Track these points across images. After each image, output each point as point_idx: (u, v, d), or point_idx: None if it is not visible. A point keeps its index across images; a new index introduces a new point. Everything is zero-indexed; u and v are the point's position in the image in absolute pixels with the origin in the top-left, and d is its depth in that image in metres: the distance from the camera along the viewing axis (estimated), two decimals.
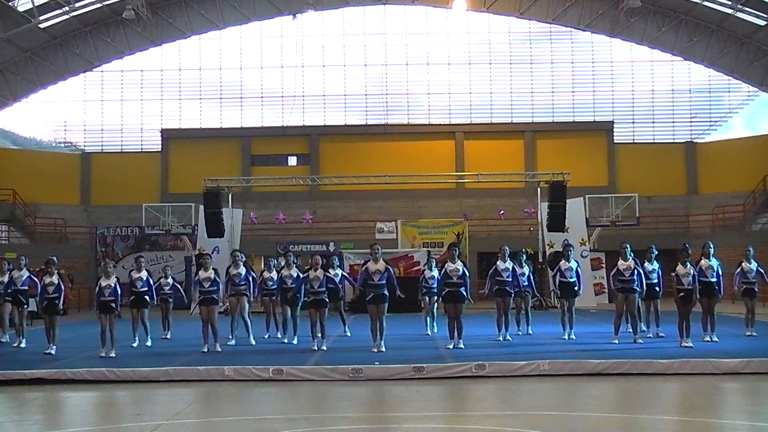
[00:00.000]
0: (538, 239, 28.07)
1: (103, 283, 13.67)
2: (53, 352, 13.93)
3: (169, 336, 16.76)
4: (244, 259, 15.75)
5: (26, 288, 16.17)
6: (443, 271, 14.16)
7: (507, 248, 15.28)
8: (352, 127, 38.57)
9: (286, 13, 37.26)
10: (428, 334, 16.56)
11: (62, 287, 14.50)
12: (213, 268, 14.44)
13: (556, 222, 26.09)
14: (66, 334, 18.41)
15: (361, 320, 17.28)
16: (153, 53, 38.60)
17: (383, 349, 13.53)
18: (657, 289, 14.94)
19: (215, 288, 14.34)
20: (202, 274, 14.33)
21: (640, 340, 14.27)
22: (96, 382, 11.57)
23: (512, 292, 15.28)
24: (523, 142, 37.77)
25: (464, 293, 13.90)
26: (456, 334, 13.89)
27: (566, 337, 15.25)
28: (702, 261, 14.14)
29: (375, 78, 38.76)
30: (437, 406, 10.14)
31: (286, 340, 15.45)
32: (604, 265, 26.72)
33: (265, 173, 36.37)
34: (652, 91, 38.61)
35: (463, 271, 13.92)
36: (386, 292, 13.72)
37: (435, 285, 15.91)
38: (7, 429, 8.90)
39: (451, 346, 13.78)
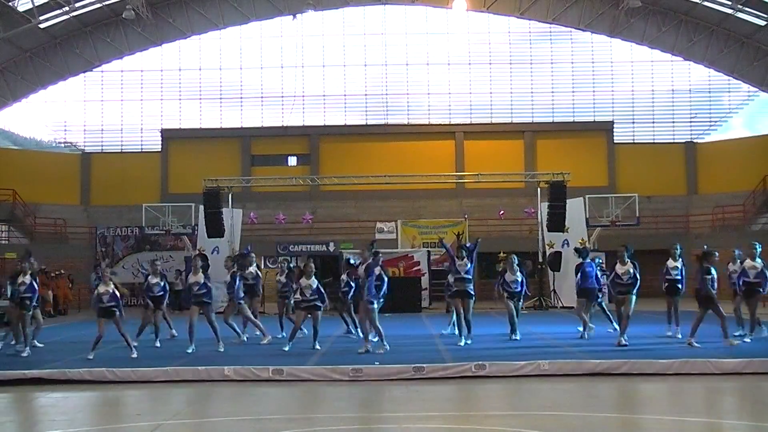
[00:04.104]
0: (538, 239, 28.05)
1: (101, 289, 13.53)
2: (25, 354, 13.70)
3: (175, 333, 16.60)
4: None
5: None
6: (613, 272, 14.14)
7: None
8: (352, 127, 38.57)
9: (286, 13, 37.27)
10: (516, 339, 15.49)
11: (35, 287, 14.28)
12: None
13: (556, 222, 26.07)
14: (66, 334, 18.46)
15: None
16: (153, 53, 38.60)
17: (469, 341, 14.08)
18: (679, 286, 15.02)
19: (204, 291, 14.31)
20: (191, 278, 14.44)
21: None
22: (96, 382, 11.56)
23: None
24: (523, 142, 37.77)
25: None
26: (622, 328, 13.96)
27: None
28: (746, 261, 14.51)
29: (375, 78, 38.75)
30: (437, 406, 10.12)
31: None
32: (603, 266, 26.64)
33: (265, 173, 36.34)
34: (652, 91, 38.61)
35: (634, 273, 13.92)
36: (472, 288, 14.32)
37: (518, 288, 15.75)
38: (7, 429, 8.89)
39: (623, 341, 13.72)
